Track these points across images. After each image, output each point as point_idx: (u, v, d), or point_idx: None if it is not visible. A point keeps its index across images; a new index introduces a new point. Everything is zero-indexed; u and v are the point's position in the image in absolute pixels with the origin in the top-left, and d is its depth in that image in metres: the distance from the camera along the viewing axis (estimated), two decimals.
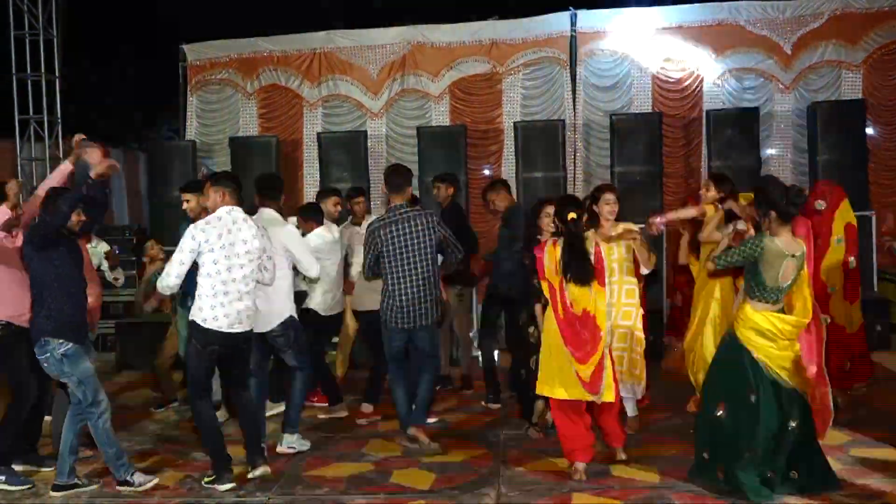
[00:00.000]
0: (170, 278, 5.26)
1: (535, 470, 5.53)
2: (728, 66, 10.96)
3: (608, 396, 5.26)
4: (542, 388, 5.39)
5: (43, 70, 10.45)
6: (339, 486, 5.40)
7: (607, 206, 5.93)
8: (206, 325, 5.27)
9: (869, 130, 10.34)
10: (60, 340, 5.17)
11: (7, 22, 10.34)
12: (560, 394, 5.26)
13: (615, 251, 5.88)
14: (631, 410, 6.19)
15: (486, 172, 11.19)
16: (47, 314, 5.17)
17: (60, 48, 10.71)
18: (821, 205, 6.72)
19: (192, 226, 5.40)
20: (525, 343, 6.10)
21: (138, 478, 5.39)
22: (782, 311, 4.93)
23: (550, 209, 5.72)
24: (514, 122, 10.74)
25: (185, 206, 6.52)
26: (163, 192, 10.79)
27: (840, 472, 5.25)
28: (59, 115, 10.65)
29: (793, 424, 4.87)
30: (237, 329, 5.35)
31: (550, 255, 5.29)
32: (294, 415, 6.10)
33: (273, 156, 10.81)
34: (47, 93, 10.58)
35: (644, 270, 5.98)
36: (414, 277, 5.86)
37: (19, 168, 10.78)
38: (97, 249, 7.74)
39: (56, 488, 5.32)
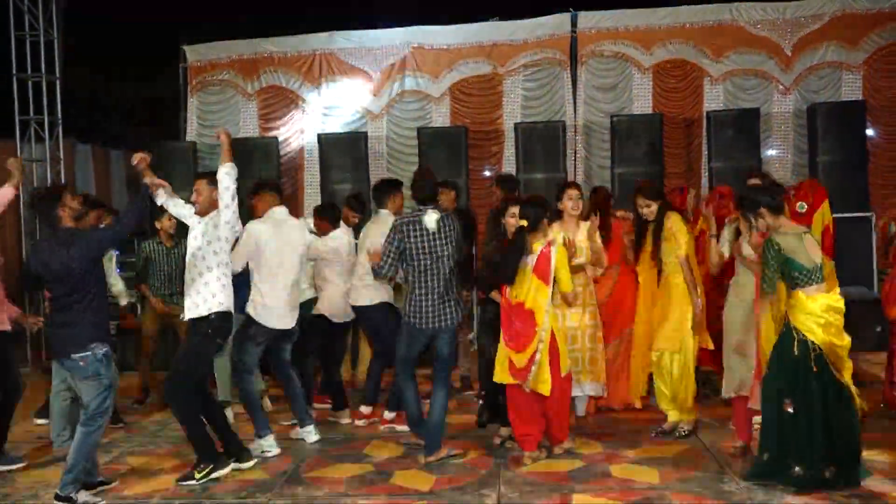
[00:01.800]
0: None
1: (535, 471, 5.53)
2: (729, 66, 10.98)
3: (543, 389, 5.52)
4: (497, 376, 5.73)
5: (43, 71, 10.44)
6: (339, 488, 5.40)
7: (570, 201, 6.25)
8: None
9: (869, 131, 10.36)
10: (103, 342, 5.19)
11: (7, 22, 10.33)
12: (500, 378, 5.64)
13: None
14: (580, 410, 6.55)
15: (487, 173, 11.20)
16: (94, 319, 5.15)
17: (61, 49, 10.70)
18: (802, 207, 6.80)
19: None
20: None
21: (83, 497, 5.17)
22: (822, 287, 4.95)
23: (515, 209, 5.86)
24: (515, 124, 10.75)
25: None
26: None
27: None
28: (59, 116, 10.65)
29: (837, 417, 4.92)
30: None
31: None
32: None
33: (273, 157, 10.82)
34: (48, 93, 10.58)
35: (596, 271, 6.30)
36: (438, 276, 5.75)
37: None
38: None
39: (58, 498, 5.12)
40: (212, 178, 5.63)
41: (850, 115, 10.11)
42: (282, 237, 6.08)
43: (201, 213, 5.66)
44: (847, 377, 4.98)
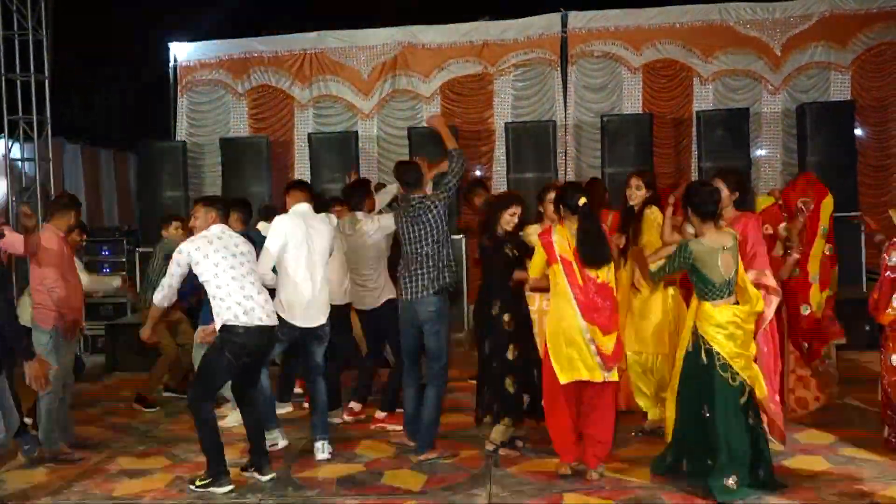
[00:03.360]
0: None
1: (525, 470, 5.54)
2: (718, 66, 11.02)
3: (615, 375, 5.28)
4: (564, 376, 5.25)
5: (32, 70, 10.40)
6: (330, 488, 5.40)
7: (552, 204, 5.99)
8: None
9: (858, 131, 10.41)
10: None
11: None
12: (578, 376, 5.21)
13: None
14: None
15: (478, 173, 11.20)
16: None
17: (50, 48, 10.66)
18: (808, 205, 6.83)
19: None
20: (499, 333, 5.83)
21: None
22: (737, 303, 5.01)
23: (515, 209, 5.87)
24: (506, 123, 10.76)
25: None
26: (153, 192, 10.77)
27: (828, 472, 5.32)
28: (48, 116, 10.61)
29: (751, 421, 4.99)
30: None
31: (561, 234, 5.29)
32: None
33: (264, 156, 10.80)
34: (37, 93, 10.53)
35: None
36: (416, 263, 5.83)
37: (8, 169, 10.73)
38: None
39: None
40: (206, 201, 5.61)
41: (838, 115, 10.16)
42: (305, 232, 5.96)
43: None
44: (758, 384, 5.06)
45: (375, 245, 6.66)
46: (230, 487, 5.32)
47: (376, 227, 6.62)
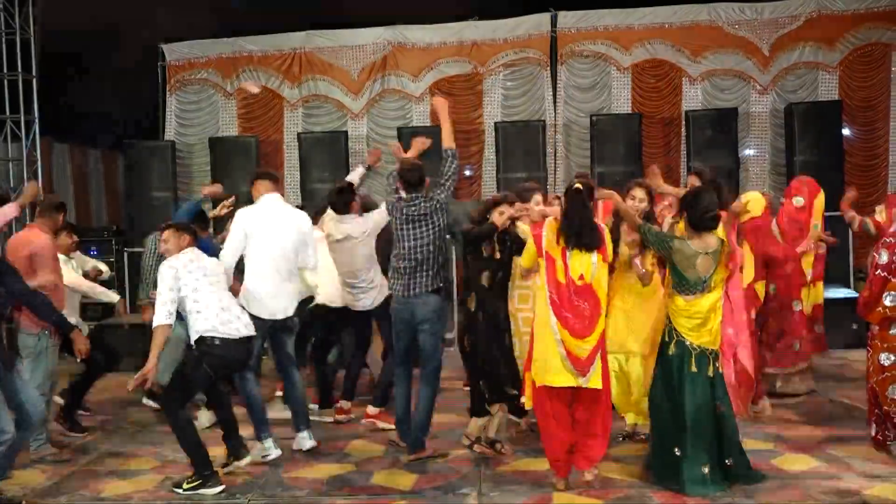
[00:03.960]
0: None
1: (515, 470, 5.55)
2: (707, 66, 11.06)
3: (594, 382, 5.10)
4: (541, 378, 5.19)
5: (20, 69, 10.36)
6: (319, 487, 5.39)
7: (538, 205, 6.09)
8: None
9: (845, 131, 10.47)
10: None
11: None
12: (550, 380, 5.12)
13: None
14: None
15: (467, 173, 11.21)
16: None
17: (38, 47, 10.62)
18: (799, 201, 6.93)
19: None
20: (475, 328, 5.72)
21: None
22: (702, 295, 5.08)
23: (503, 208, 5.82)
24: (495, 123, 10.77)
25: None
26: (141, 192, 10.74)
27: (815, 470, 5.35)
28: (35, 115, 10.57)
29: (722, 409, 5.07)
30: None
31: (550, 228, 5.25)
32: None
33: (253, 156, 10.78)
34: (24, 92, 10.49)
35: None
36: (416, 262, 5.82)
37: None
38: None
39: None
40: (177, 227, 5.64)
41: (826, 115, 10.22)
42: (272, 223, 5.97)
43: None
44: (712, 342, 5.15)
45: (367, 244, 6.63)
46: (221, 488, 5.30)
47: (370, 226, 6.57)
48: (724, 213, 5.42)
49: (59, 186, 12.58)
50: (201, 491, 5.26)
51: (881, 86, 10.82)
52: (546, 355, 5.11)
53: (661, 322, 5.40)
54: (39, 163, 10.69)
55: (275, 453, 5.91)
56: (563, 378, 5.07)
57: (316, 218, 6.81)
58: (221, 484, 5.32)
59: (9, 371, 5.07)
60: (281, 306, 5.97)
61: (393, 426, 6.22)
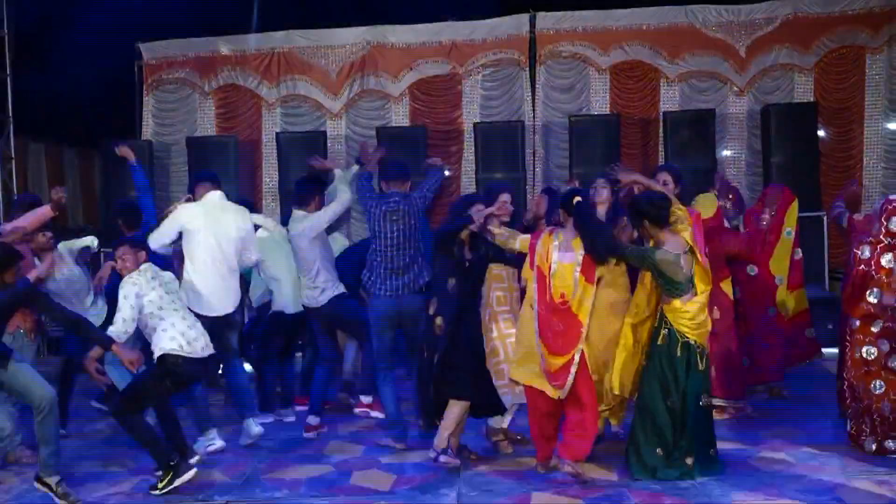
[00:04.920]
0: None
1: (494, 470, 5.56)
2: (684, 68, 11.11)
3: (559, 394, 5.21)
4: (515, 373, 5.41)
5: None
6: (298, 488, 5.38)
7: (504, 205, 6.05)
8: None
9: (820, 133, 10.55)
10: None
11: None
12: (529, 380, 5.28)
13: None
14: (505, 422, 6.01)
15: (447, 173, 11.20)
16: None
17: (12, 45, 10.51)
18: (765, 219, 6.93)
19: None
20: (432, 337, 5.57)
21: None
22: (695, 294, 5.19)
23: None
24: (475, 123, 10.78)
25: None
26: (118, 192, 10.64)
27: (794, 468, 5.40)
28: (10, 114, 10.45)
29: (704, 400, 5.24)
30: None
31: (545, 243, 5.30)
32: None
33: (231, 156, 10.72)
34: None
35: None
36: (401, 260, 5.93)
37: None
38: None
39: None
40: (132, 242, 5.66)
41: (802, 117, 10.30)
42: (212, 220, 6.06)
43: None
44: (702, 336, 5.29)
45: (312, 243, 6.42)
46: (193, 471, 5.32)
47: (306, 226, 6.39)
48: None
49: (34, 186, 12.46)
50: (175, 483, 5.25)
51: (856, 88, 10.91)
52: (528, 358, 5.25)
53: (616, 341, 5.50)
54: (14, 162, 10.56)
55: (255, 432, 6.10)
56: (542, 382, 5.22)
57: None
58: (192, 467, 5.35)
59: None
60: (221, 303, 6.07)
61: (383, 414, 6.31)
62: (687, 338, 5.17)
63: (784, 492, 4.98)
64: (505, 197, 5.81)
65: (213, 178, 6.42)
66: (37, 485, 5.28)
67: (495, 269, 5.78)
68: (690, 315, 5.15)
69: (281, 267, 6.71)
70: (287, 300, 6.75)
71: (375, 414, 6.57)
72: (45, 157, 13.16)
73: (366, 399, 6.73)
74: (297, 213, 6.52)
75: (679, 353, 5.18)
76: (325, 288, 6.41)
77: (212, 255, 6.03)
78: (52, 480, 5.22)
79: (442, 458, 5.50)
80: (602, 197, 5.83)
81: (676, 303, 5.15)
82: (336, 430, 6.67)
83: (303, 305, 6.60)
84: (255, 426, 6.16)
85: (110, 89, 12.19)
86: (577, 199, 5.27)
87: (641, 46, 11.13)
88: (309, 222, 6.37)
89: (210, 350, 5.59)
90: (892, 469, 5.27)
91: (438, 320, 5.52)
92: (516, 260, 5.62)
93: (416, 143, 10.48)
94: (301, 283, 6.52)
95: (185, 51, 11.68)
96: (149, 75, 11.70)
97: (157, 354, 5.42)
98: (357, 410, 6.70)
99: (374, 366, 6.25)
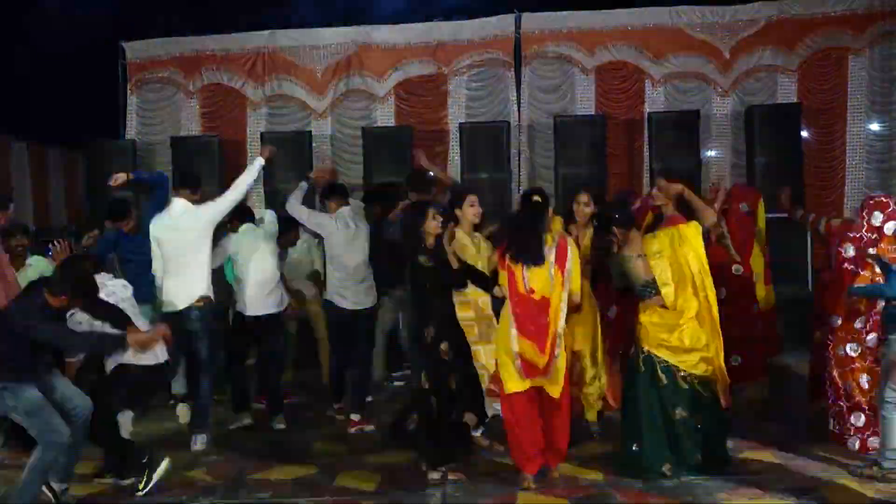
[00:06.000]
0: None
1: (480, 471, 5.55)
2: (669, 69, 11.16)
3: (554, 392, 5.14)
4: (506, 386, 5.22)
5: None
6: (283, 490, 5.37)
7: (471, 207, 6.08)
8: None
9: (804, 133, 10.61)
10: None
11: None
12: (510, 388, 5.16)
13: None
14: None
15: (432, 174, 11.17)
16: None
17: None
18: (745, 207, 7.10)
19: None
20: (437, 364, 5.32)
21: None
22: (663, 306, 5.28)
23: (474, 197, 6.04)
24: (460, 124, 10.78)
25: None
26: (102, 192, 10.56)
27: (777, 465, 5.43)
28: None
29: (682, 414, 5.24)
30: None
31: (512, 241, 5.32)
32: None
33: (215, 156, 10.67)
34: None
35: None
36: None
37: None
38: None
39: None
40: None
41: (785, 118, 10.35)
42: (171, 223, 6.24)
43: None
44: (719, 375, 5.36)
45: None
46: (167, 461, 5.30)
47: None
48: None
49: (17, 185, 12.37)
50: (154, 478, 5.23)
51: (839, 89, 10.99)
52: (505, 364, 5.22)
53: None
54: None
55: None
56: (519, 384, 5.17)
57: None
58: (165, 457, 5.33)
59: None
60: (178, 298, 6.20)
61: (374, 427, 6.54)
62: (648, 351, 5.26)
63: (768, 490, 5.00)
64: (471, 199, 5.98)
65: (183, 182, 6.55)
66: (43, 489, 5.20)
67: (460, 297, 5.78)
68: (652, 322, 5.25)
69: (247, 268, 6.70)
70: (246, 302, 6.73)
71: (369, 429, 6.57)
72: (29, 156, 13.07)
73: (356, 417, 6.68)
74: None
75: (642, 366, 5.29)
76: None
77: (172, 255, 6.25)
78: (59, 487, 5.15)
79: (452, 476, 5.37)
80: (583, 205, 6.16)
81: (639, 305, 5.31)
82: (320, 431, 6.65)
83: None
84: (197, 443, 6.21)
85: (94, 88, 12.12)
86: (536, 198, 5.33)
87: (626, 47, 11.17)
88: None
89: (165, 357, 5.54)
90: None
91: (444, 346, 5.31)
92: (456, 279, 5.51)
93: (401, 143, 10.48)
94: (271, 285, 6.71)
95: (170, 50, 11.62)
96: (133, 74, 11.64)
97: (110, 366, 5.46)
98: (352, 430, 6.63)
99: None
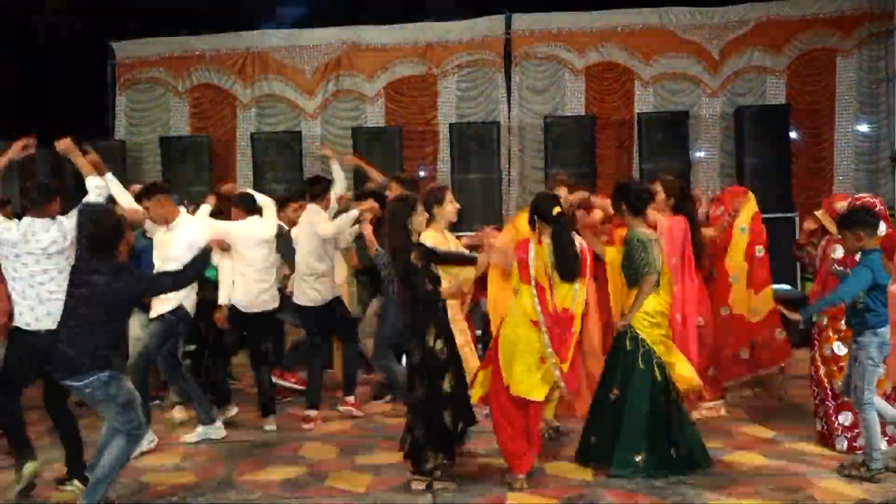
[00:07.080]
0: None
1: (469, 470, 5.55)
2: (659, 70, 11.18)
3: (538, 395, 5.18)
4: (517, 389, 5.12)
5: None
6: (273, 490, 5.35)
7: (451, 205, 6.09)
8: None
9: (793, 134, 10.66)
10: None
11: None
12: (531, 394, 5.12)
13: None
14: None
15: (422, 174, 11.20)
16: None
17: None
18: (728, 218, 6.87)
19: None
20: (436, 364, 5.19)
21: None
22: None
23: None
24: (450, 124, 10.78)
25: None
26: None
27: (765, 466, 5.45)
28: None
29: (668, 409, 5.30)
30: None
31: (540, 256, 5.15)
32: None
33: (205, 156, 10.65)
34: None
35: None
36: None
37: None
38: None
39: None
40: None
41: (774, 119, 10.40)
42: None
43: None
44: (678, 370, 5.41)
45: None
46: (35, 463, 5.27)
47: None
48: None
49: (5, 185, 12.28)
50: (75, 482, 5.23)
51: (827, 90, 11.03)
52: (532, 372, 5.11)
53: None
54: None
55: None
56: (543, 392, 5.19)
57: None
58: (34, 459, 5.30)
59: None
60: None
61: (362, 413, 6.91)
62: (637, 333, 5.28)
63: (757, 491, 5.02)
64: (449, 196, 6.13)
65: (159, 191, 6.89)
66: (67, 487, 5.27)
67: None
68: (644, 310, 5.27)
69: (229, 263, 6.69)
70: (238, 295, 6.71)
71: (358, 413, 6.92)
72: None
73: (350, 399, 6.92)
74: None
75: (629, 346, 5.30)
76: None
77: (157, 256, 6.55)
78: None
79: (438, 485, 5.24)
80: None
81: (654, 304, 5.31)
82: (310, 430, 6.65)
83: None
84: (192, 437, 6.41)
85: (83, 89, 12.07)
86: (558, 210, 5.18)
87: (616, 48, 11.20)
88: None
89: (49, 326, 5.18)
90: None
91: (439, 344, 5.20)
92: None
93: (391, 144, 10.48)
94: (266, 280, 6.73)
95: (159, 50, 11.60)
96: (122, 74, 11.62)
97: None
98: (341, 408, 6.89)
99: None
